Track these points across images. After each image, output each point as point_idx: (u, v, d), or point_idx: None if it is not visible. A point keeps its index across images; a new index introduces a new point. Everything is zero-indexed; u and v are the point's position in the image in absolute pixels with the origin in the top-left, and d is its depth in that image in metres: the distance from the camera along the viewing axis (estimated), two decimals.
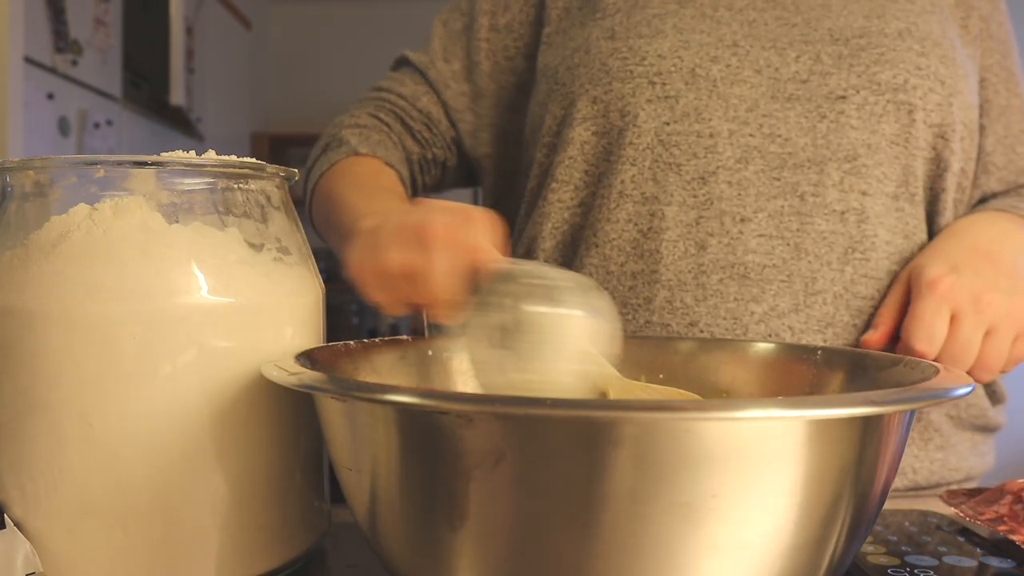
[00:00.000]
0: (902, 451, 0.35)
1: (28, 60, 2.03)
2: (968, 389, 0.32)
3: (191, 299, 0.38)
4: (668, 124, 0.62)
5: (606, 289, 0.63)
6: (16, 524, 0.38)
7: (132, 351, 0.37)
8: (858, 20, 0.64)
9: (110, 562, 0.38)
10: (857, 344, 0.61)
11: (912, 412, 0.35)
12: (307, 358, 0.39)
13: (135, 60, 2.60)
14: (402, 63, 0.79)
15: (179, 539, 0.38)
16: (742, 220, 0.61)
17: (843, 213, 0.61)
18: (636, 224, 0.63)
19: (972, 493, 0.50)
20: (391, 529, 0.33)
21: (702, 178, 0.62)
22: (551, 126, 0.67)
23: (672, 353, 0.50)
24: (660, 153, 0.62)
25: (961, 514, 0.47)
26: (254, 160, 0.42)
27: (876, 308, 0.62)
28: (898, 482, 0.64)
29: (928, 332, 0.55)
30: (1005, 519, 0.45)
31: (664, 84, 0.63)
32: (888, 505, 0.51)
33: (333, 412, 0.34)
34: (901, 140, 0.62)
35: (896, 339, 0.58)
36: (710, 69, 0.62)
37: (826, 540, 0.31)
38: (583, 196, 0.66)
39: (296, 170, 0.45)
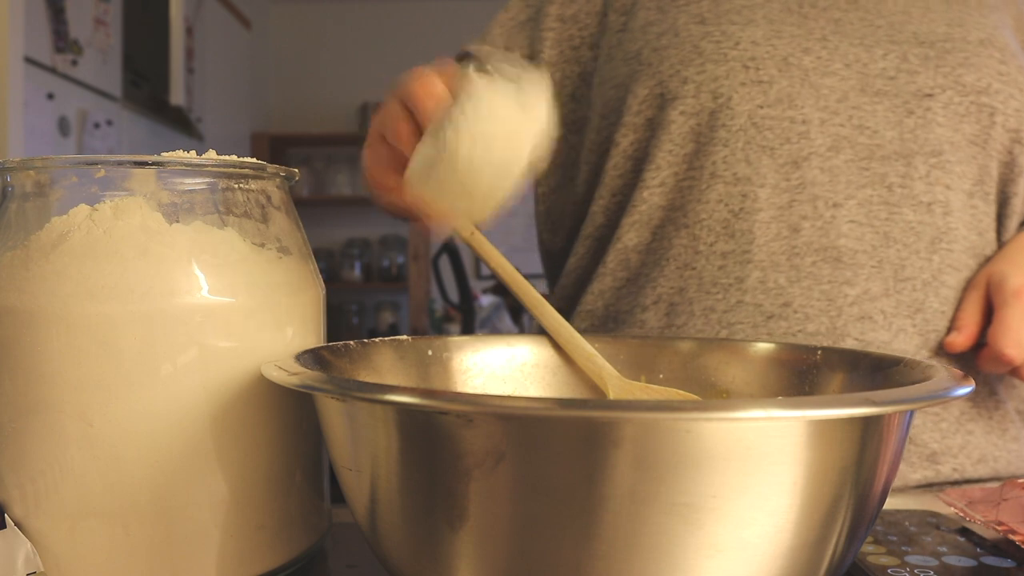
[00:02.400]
0: (902, 450, 0.35)
1: (28, 60, 2.04)
2: (968, 389, 0.32)
3: (192, 299, 0.38)
4: (761, 108, 0.64)
5: (693, 268, 0.65)
6: (16, 524, 0.38)
7: (133, 351, 0.37)
8: (940, 27, 0.66)
9: (111, 562, 0.38)
10: (946, 335, 0.63)
11: (911, 412, 0.35)
12: (307, 358, 0.39)
13: (135, 60, 2.60)
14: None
15: (180, 539, 0.38)
16: (834, 205, 0.62)
17: (929, 204, 0.63)
18: (727, 204, 0.64)
19: (972, 493, 0.50)
20: (391, 530, 0.33)
21: (795, 163, 0.63)
22: (635, 107, 0.68)
23: (672, 353, 0.50)
24: (753, 136, 0.64)
25: (961, 514, 0.47)
26: (254, 160, 0.42)
27: (960, 298, 0.64)
28: (981, 470, 0.65)
29: (1017, 338, 0.58)
30: (1005, 519, 0.45)
31: (758, 69, 0.64)
32: (899, 504, 0.51)
33: (333, 412, 0.34)
34: (980, 140, 0.64)
35: (980, 344, 0.61)
36: (802, 59, 0.64)
37: (826, 540, 0.31)
38: (674, 176, 0.67)
39: (296, 170, 0.45)
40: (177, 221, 0.39)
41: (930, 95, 0.64)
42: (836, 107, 0.63)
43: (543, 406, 0.28)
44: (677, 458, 0.28)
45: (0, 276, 0.39)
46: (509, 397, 0.30)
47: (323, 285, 0.46)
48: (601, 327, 0.70)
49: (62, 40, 2.19)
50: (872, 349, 0.59)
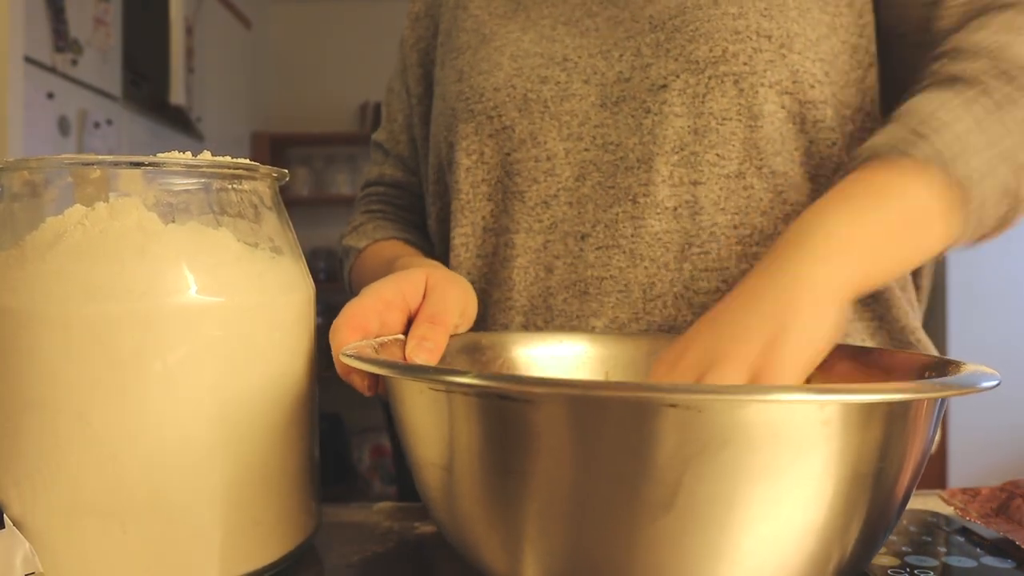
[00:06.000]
0: (929, 447, 0.36)
1: (28, 60, 2.04)
2: (995, 382, 0.34)
3: (188, 298, 0.38)
4: (509, 155, 0.63)
5: (481, 318, 0.64)
6: (14, 523, 0.38)
7: (130, 350, 0.37)
8: (674, 1, 0.60)
9: (109, 560, 0.38)
10: None
11: (941, 405, 0.36)
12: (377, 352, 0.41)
13: (135, 60, 2.60)
14: (373, 146, 0.83)
15: (177, 536, 0.38)
16: (582, 237, 0.61)
17: (675, 209, 0.58)
18: (496, 254, 0.64)
19: (972, 493, 0.49)
20: (551, 536, 0.32)
21: (544, 202, 0.62)
22: (432, 176, 0.70)
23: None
24: (507, 184, 0.63)
25: (961, 514, 0.47)
26: (247, 161, 0.42)
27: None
28: None
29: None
30: (1005, 519, 0.45)
31: (500, 116, 0.63)
32: None
33: (450, 409, 0.33)
34: (733, 113, 0.58)
35: None
36: (541, 91, 0.62)
37: (849, 523, 0.32)
38: (473, 235, 0.66)
39: (286, 171, 0.45)
40: (173, 221, 0.39)
41: (664, 86, 0.58)
42: (579, 132, 0.61)
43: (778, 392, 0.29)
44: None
45: None
46: (732, 387, 0.30)
47: (313, 284, 0.47)
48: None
49: (62, 40, 2.19)
50: None
